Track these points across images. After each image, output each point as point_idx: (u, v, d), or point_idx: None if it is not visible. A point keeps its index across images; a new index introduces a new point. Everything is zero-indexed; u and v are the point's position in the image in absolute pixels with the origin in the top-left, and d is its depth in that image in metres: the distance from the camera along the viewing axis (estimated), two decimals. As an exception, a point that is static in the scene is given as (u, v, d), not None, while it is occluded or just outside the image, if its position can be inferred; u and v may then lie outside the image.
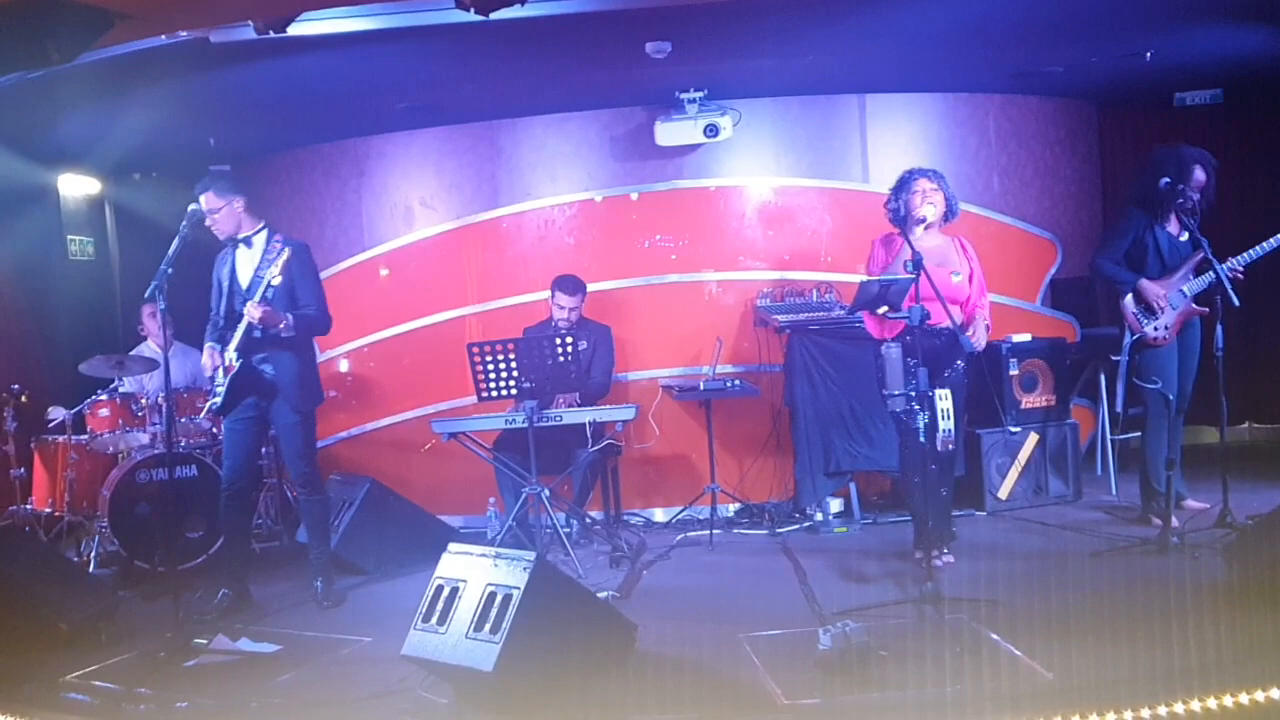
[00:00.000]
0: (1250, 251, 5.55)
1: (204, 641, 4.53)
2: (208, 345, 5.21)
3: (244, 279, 5.16)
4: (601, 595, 4.78)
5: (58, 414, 6.57)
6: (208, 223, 5.08)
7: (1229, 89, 7.60)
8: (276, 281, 4.98)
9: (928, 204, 5.15)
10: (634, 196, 7.12)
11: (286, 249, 5.02)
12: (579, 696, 3.67)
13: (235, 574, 5.23)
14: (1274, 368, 7.88)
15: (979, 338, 5.23)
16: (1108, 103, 8.06)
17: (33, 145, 6.80)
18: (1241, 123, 8.03)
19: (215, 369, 5.16)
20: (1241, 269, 5.56)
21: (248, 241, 5.19)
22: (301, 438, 5.26)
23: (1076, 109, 7.90)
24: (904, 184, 5.27)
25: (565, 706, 3.62)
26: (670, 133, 6.77)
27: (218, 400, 5.14)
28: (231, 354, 5.08)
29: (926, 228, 5.17)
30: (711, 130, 6.69)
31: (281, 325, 5.04)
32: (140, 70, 5.28)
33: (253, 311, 4.94)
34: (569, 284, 6.49)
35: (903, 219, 5.23)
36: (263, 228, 5.22)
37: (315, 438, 5.47)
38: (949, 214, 5.29)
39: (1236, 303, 5.36)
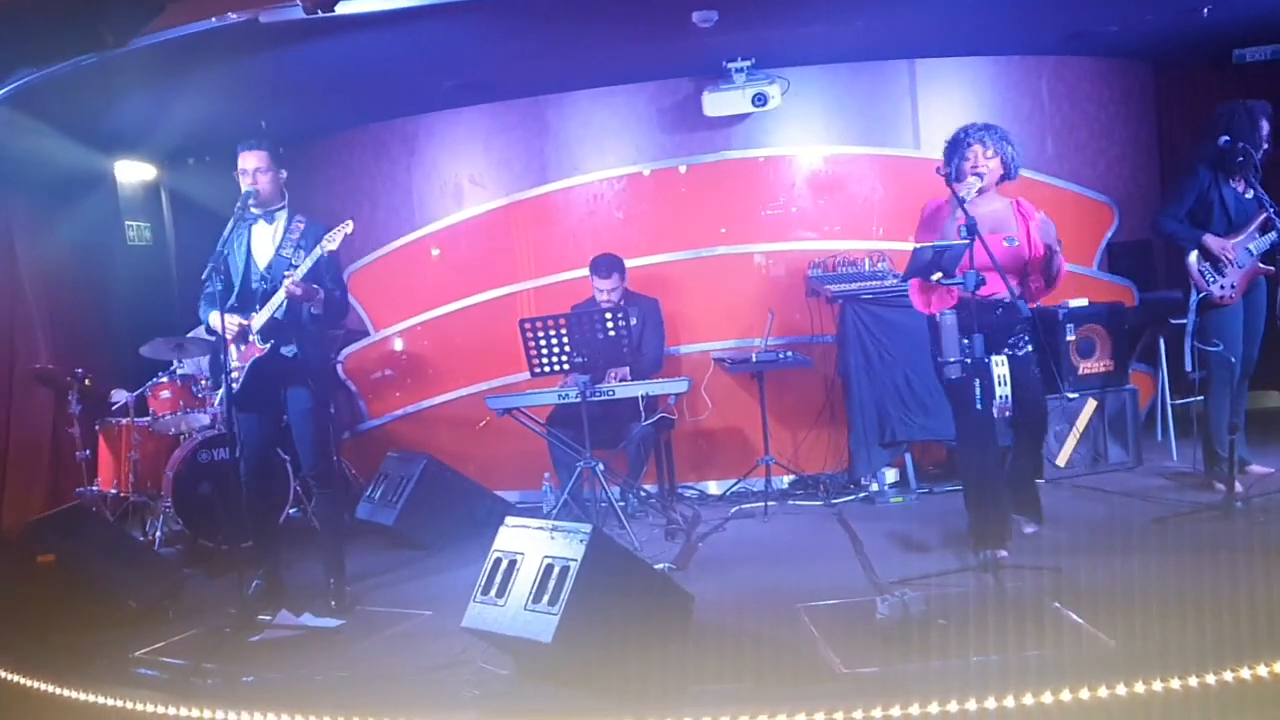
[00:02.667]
0: None
1: (268, 617, 4.62)
2: (223, 314, 4.76)
3: (262, 257, 4.92)
4: (658, 567, 4.79)
5: (120, 396, 6.71)
6: (246, 181, 4.85)
7: (1291, 43, 7.41)
8: (331, 248, 4.79)
9: (974, 174, 4.73)
10: (682, 169, 7.10)
11: (348, 223, 4.83)
12: (637, 666, 3.68)
13: (266, 563, 5.06)
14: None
15: (1057, 265, 4.75)
16: (1164, 62, 7.87)
17: (90, 132, 6.91)
18: (1305, 78, 7.82)
19: (235, 341, 4.86)
20: None
21: (269, 217, 4.94)
22: (314, 426, 4.99)
23: (1132, 69, 7.73)
24: (955, 147, 4.85)
25: (624, 676, 3.63)
26: (718, 103, 6.73)
27: (235, 385, 4.87)
28: (255, 334, 4.86)
29: (979, 192, 4.77)
30: (760, 99, 6.63)
31: (315, 301, 4.82)
32: (192, 54, 5.34)
33: (293, 287, 4.71)
34: (602, 267, 6.40)
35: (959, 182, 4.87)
36: (285, 205, 5.00)
37: (330, 429, 5.22)
38: (1005, 175, 4.84)
39: (1300, 261, 5.25)
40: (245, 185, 4.87)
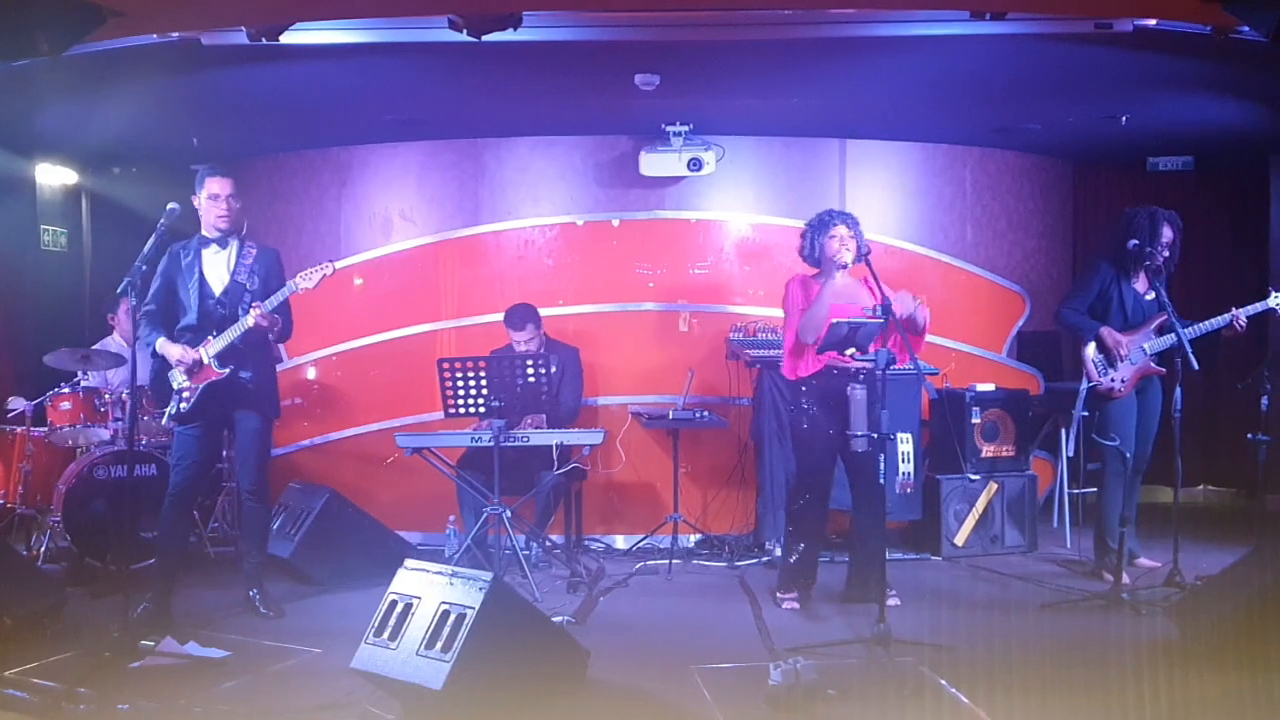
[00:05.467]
0: (1250, 307, 5.70)
1: (151, 643, 4.48)
2: (178, 344, 4.99)
3: (216, 282, 5.07)
4: (557, 620, 4.77)
5: (18, 404, 6.50)
6: (217, 209, 5.01)
7: (1199, 157, 7.79)
8: (308, 286, 4.98)
9: (845, 250, 5.16)
10: (615, 223, 7.17)
11: (329, 265, 5.06)
12: (527, 719, 3.67)
13: (157, 585, 5.02)
14: (1231, 432, 8.00)
15: (920, 313, 5.15)
16: (1083, 162, 8.21)
17: (10, 134, 6.76)
18: (1211, 190, 8.22)
19: (185, 367, 4.98)
20: (1245, 319, 5.69)
21: (223, 243, 5.10)
22: (262, 445, 5.22)
23: (1052, 166, 8.04)
24: (821, 227, 5.30)
25: (512, 728, 3.62)
26: (654, 163, 6.83)
27: (185, 405, 5.01)
28: (211, 359, 4.99)
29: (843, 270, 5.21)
30: (695, 164, 6.76)
31: (274, 330, 5.04)
32: (127, 66, 5.26)
33: (261, 318, 4.89)
34: (516, 319, 6.41)
35: (816, 260, 5.34)
36: (239, 233, 5.17)
37: (270, 448, 5.44)
38: (858, 257, 5.29)
39: (1195, 365, 5.46)
40: (218, 209, 5.04)
